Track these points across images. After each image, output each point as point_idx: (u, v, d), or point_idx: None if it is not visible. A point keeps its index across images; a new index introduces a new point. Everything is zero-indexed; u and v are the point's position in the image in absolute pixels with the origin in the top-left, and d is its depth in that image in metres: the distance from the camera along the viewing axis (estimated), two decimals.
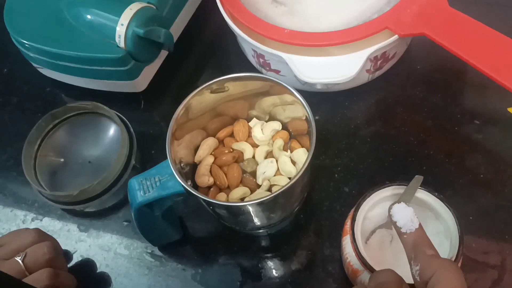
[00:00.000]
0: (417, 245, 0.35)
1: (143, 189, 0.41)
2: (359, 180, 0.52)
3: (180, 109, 0.42)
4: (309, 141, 0.45)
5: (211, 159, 0.46)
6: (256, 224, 0.45)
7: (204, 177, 0.45)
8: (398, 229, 0.36)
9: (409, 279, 0.35)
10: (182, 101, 0.43)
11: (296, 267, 0.49)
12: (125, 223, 0.53)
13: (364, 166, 0.53)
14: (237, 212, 0.42)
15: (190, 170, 0.46)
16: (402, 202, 0.37)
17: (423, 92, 0.56)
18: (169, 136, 0.41)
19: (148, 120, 0.60)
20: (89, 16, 0.54)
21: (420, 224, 0.36)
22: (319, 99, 0.55)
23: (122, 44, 0.52)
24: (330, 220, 0.50)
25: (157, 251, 0.51)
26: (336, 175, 0.53)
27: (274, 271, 0.49)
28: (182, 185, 0.39)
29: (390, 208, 0.38)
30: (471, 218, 0.48)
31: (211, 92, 0.44)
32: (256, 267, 0.49)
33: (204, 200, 0.39)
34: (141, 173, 0.42)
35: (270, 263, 0.50)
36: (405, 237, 0.35)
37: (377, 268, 0.40)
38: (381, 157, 0.53)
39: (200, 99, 0.43)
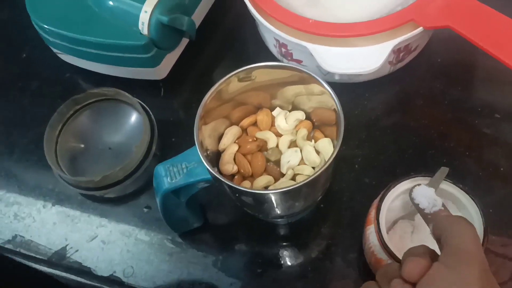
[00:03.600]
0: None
1: (170, 175, 0.41)
2: (379, 171, 0.52)
3: (209, 95, 0.42)
4: (332, 131, 0.46)
5: (235, 147, 0.46)
6: (279, 212, 0.45)
7: (228, 165, 0.45)
8: (421, 211, 0.36)
9: None
10: (212, 87, 0.43)
11: (317, 256, 0.49)
12: (146, 210, 0.54)
13: (385, 158, 0.53)
14: (262, 200, 0.42)
15: (214, 158, 0.47)
16: (422, 184, 0.37)
17: (443, 85, 0.56)
18: (197, 122, 0.41)
19: (168, 108, 0.60)
20: (111, 3, 0.54)
21: (443, 204, 0.35)
22: (339, 89, 0.55)
23: (145, 31, 0.52)
24: (350, 210, 0.51)
25: (178, 238, 0.52)
26: (356, 166, 0.53)
27: (294, 260, 0.50)
28: (211, 172, 0.39)
29: (411, 191, 0.37)
30: (490, 210, 0.48)
31: (239, 80, 0.44)
32: (277, 255, 0.50)
33: (232, 188, 0.40)
34: (168, 160, 0.43)
35: (291, 252, 0.50)
36: (429, 217, 0.35)
37: (401, 257, 0.40)
38: (401, 149, 0.53)
39: (228, 86, 0.44)
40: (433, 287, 0.29)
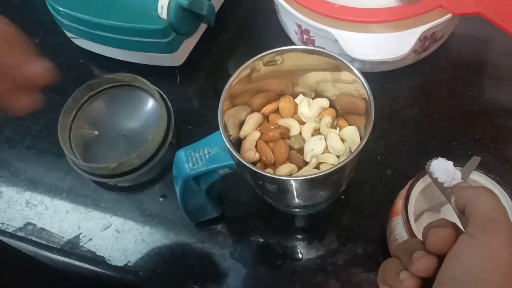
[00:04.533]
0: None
1: (191, 161, 0.40)
2: (401, 163, 0.51)
3: (235, 76, 0.41)
4: (357, 119, 0.44)
5: (257, 134, 0.45)
6: (302, 202, 0.44)
7: (250, 152, 0.44)
8: (440, 185, 0.34)
9: None
10: (238, 69, 0.41)
11: (337, 248, 0.48)
12: (161, 199, 0.52)
13: (407, 149, 0.52)
14: (286, 188, 0.41)
15: (235, 146, 0.45)
16: (440, 158, 0.35)
17: (468, 76, 0.55)
18: (221, 105, 0.40)
19: (184, 96, 0.58)
20: None
21: (463, 176, 0.34)
22: None
23: (164, 15, 0.51)
24: (372, 202, 0.49)
25: (194, 228, 0.50)
26: (378, 157, 0.51)
27: (314, 251, 0.48)
28: (235, 157, 0.38)
29: (428, 165, 0.35)
30: None
31: (264, 65, 0.42)
32: (296, 247, 0.49)
33: (257, 174, 0.38)
34: (189, 145, 0.41)
35: (310, 243, 0.49)
36: (449, 191, 0.33)
37: None
38: (424, 140, 0.52)
39: (252, 70, 0.42)
40: (463, 258, 0.29)
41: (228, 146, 0.38)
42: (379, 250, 0.47)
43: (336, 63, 0.41)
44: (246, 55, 0.59)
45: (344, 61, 0.40)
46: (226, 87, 0.40)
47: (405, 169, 0.50)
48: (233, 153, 0.38)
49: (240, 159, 0.38)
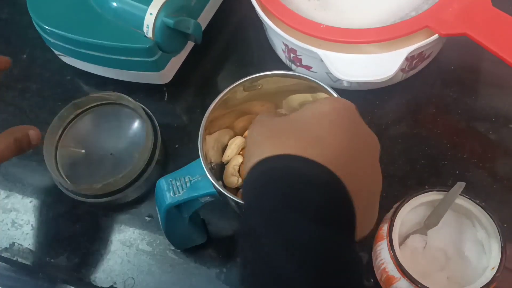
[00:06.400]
0: None
1: (172, 190, 0.40)
2: (389, 182, 0.50)
3: (213, 105, 0.40)
4: None
5: (240, 159, 0.45)
6: None
7: (233, 178, 0.44)
8: None
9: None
10: (216, 97, 0.41)
11: None
12: (148, 219, 0.52)
13: (395, 168, 0.51)
14: None
15: (218, 171, 0.45)
16: None
17: (456, 93, 0.54)
18: (201, 134, 0.40)
19: (172, 113, 0.58)
20: (115, 4, 0.52)
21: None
22: (348, 96, 0.53)
23: (150, 34, 0.50)
24: None
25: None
26: None
27: None
28: (216, 187, 0.38)
29: None
30: (505, 225, 0.47)
31: (244, 90, 0.42)
32: None
33: (238, 203, 0.38)
34: (170, 173, 0.41)
35: None
36: None
37: (414, 275, 0.39)
38: (412, 159, 0.51)
39: (233, 95, 0.42)
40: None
41: (209, 176, 0.38)
42: (367, 273, 0.47)
43: (313, 85, 0.41)
44: (235, 71, 0.59)
45: (320, 82, 0.40)
46: (205, 117, 0.40)
47: (392, 188, 0.50)
48: (213, 182, 0.37)
49: (220, 189, 0.37)
